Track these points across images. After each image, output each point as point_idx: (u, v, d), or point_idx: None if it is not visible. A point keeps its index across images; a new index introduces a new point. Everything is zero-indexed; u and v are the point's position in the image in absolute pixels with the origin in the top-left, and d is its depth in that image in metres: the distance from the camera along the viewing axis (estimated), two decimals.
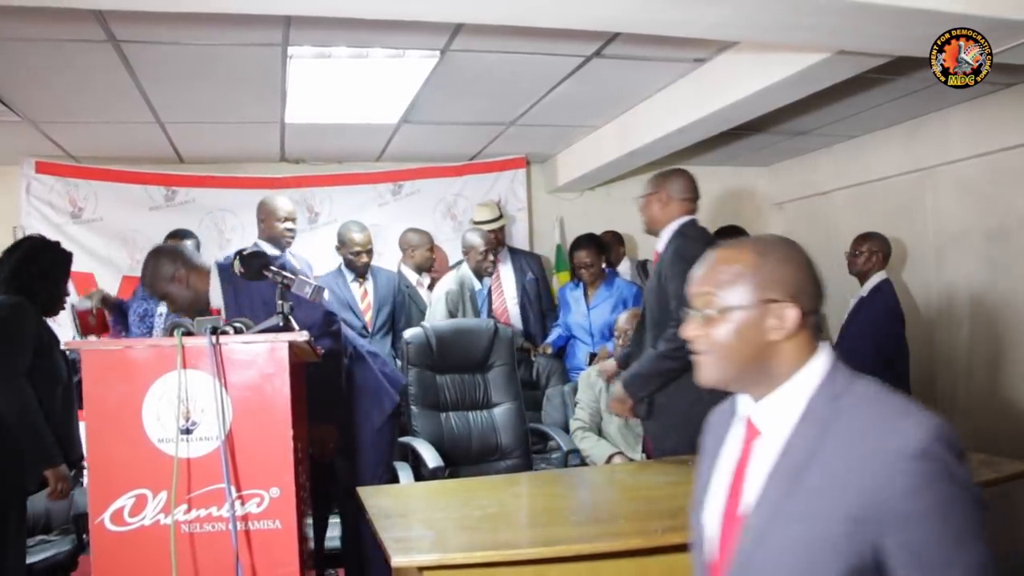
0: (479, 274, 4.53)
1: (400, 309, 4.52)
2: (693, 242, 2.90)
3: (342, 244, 4.46)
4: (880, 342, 4.01)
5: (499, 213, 4.94)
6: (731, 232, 4.65)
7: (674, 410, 2.86)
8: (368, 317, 4.38)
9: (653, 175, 3.12)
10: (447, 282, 4.49)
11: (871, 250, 4.18)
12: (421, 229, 4.91)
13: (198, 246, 4.19)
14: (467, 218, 5.39)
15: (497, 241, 4.84)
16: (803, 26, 2.60)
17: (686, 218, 3.00)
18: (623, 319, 3.69)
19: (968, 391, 4.56)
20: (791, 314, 1.25)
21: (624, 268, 5.16)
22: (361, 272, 4.44)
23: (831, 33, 2.71)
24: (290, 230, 4.01)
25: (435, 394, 3.78)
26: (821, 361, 1.29)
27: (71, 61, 3.30)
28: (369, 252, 4.41)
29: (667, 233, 3.00)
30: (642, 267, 5.08)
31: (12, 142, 4.50)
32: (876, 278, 4.18)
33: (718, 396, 2.92)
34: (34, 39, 3.05)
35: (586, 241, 4.78)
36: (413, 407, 3.69)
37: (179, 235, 4.21)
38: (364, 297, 4.44)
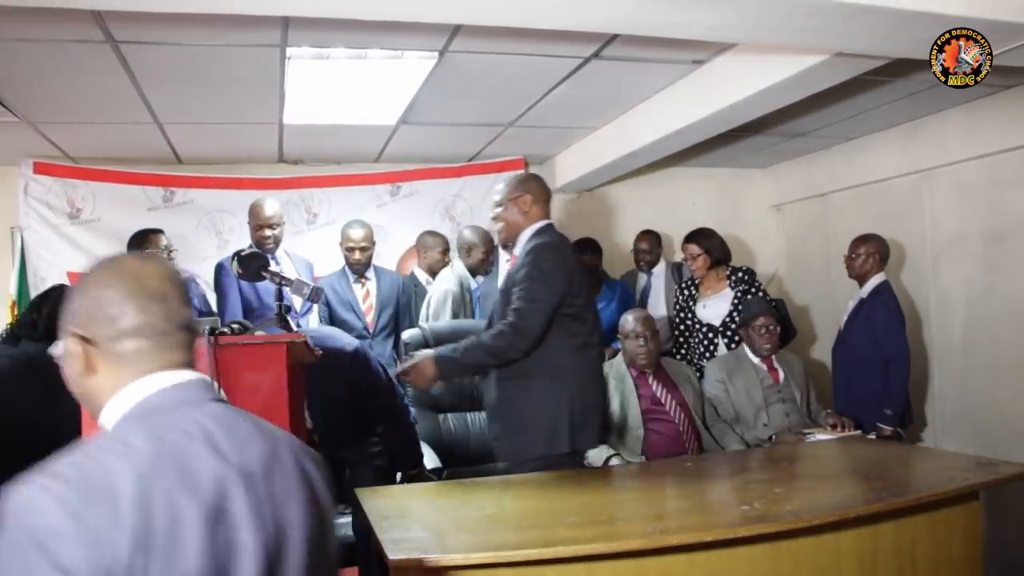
0: (475, 272, 4.51)
1: (404, 311, 4.50)
2: (556, 244, 2.92)
3: (342, 240, 4.46)
4: (881, 344, 4.01)
5: None
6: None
7: (519, 412, 2.86)
8: (370, 318, 4.36)
9: (505, 181, 3.09)
10: (446, 282, 4.46)
11: (868, 252, 4.18)
12: (437, 232, 4.91)
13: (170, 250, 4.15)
14: (465, 219, 5.39)
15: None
16: (801, 28, 2.60)
17: (546, 221, 2.99)
18: (632, 321, 3.66)
19: (965, 393, 4.56)
20: (75, 348, 1.17)
21: (659, 270, 5.15)
22: (357, 269, 4.42)
23: (830, 35, 2.71)
24: (268, 236, 4.03)
25: (433, 395, 3.77)
26: (124, 399, 1.16)
27: (69, 61, 3.30)
28: (363, 249, 4.39)
29: (528, 234, 2.97)
30: (676, 269, 5.09)
31: (10, 143, 4.49)
32: (875, 280, 4.18)
33: (561, 404, 2.86)
34: (32, 39, 3.05)
35: (589, 246, 4.81)
36: (412, 408, 3.68)
37: (148, 233, 4.14)
38: (366, 298, 4.42)
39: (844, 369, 4.24)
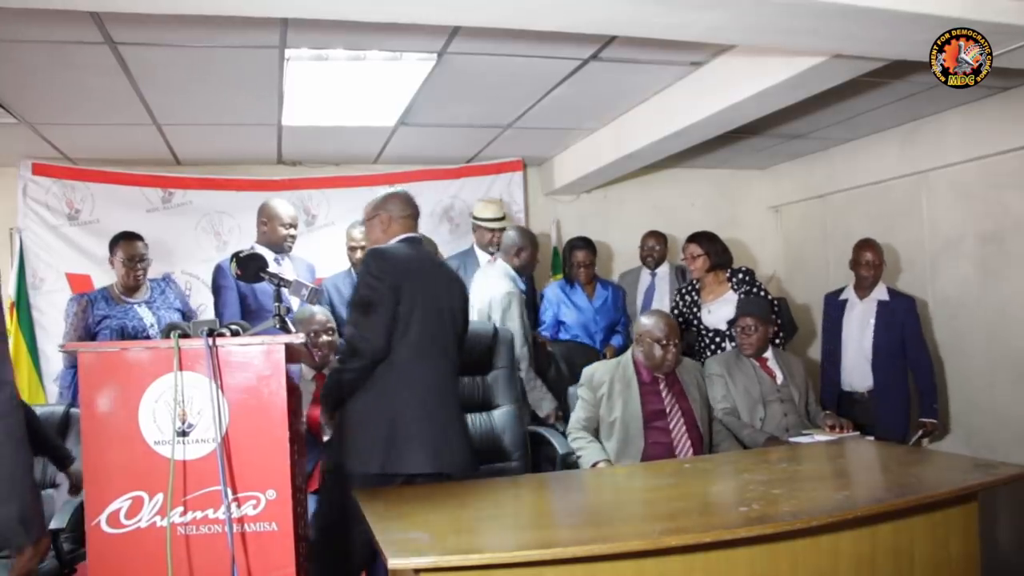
0: (522, 273, 4.28)
1: None
2: (387, 250, 2.83)
3: (346, 240, 4.42)
4: (908, 343, 4.24)
5: (503, 213, 4.84)
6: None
7: (342, 426, 2.78)
8: None
9: (370, 202, 3.08)
10: (499, 283, 4.13)
11: (882, 258, 4.31)
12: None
13: (146, 247, 4.09)
14: (464, 220, 5.39)
15: (497, 242, 4.81)
16: (799, 30, 2.61)
17: (407, 235, 2.96)
18: (662, 327, 3.60)
19: (962, 394, 4.57)
20: None
21: (663, 271, 5.13)
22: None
23: (827, 37, 2.72)
24: (292, 236, 4.03)
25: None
26: None
27: (68, 63, 3.30)
28: (364, 249, 4.36)
29: None
30: (680, 272, 5.10)
31: (9, 144, 4.50)
32: (882, 284, 4.32)
33: (379, 422, 2.69)
34: (31, 41, 3.05)
35: (584, 241, 4.84)
36: None
37: (121, 239, 4.05)
38: None
39: (882, 372, 4.27)
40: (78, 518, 2.81)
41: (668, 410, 3.53)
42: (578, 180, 5.41)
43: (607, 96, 4.23)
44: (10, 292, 4.67)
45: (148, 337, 3.87)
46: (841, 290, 4.53)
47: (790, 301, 5.33)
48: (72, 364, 4.08)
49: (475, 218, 4.78)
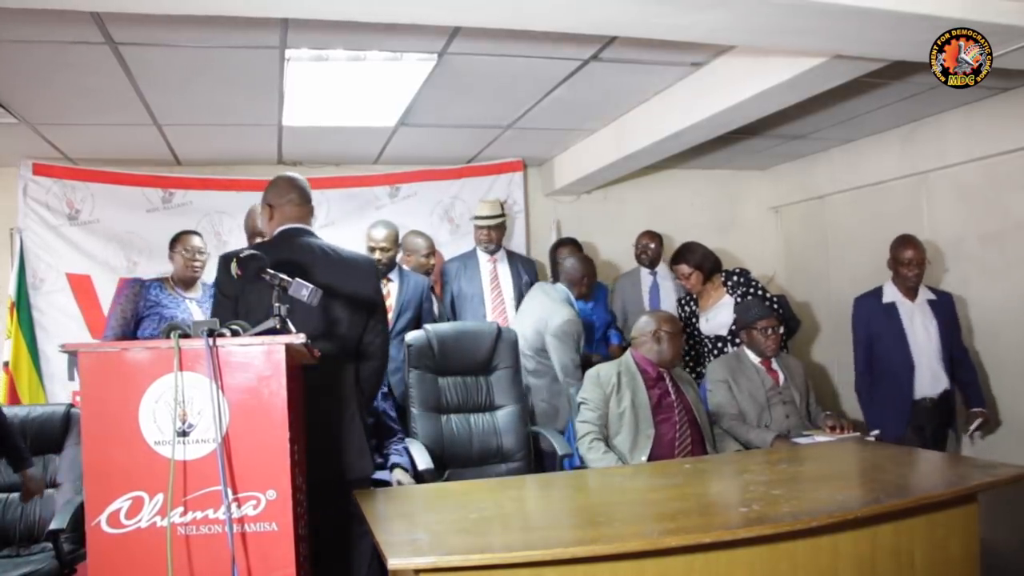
0: (581, 297, 4.27)
1: (427, 316, 4.43)
2: (228, 256, 2.57)
3: (365, 240, 4.42)
4: (954, 339, 4.12)
5: (500, 211, 4.84)
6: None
7: None
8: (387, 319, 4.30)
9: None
10: (564, 309, 4.09)
11: (924, 253, 4.11)
12: (423, 232, 4.87)
13: (204, 244, 4.18)
14: (464, 221, 5.39)
15: (495, 240, 4.80)
16: (800, 30, 2.61)
17: (288, 225, 2.79)
18: (667, 319, 3.68)
19: None
20: None
21: (663, 270, 5.11)
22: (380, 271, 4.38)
23: (828, 37, 2.72)
24: None
25: (436, 397, 3.77)
26: None
27: (69, 63, 3.30)
28: (384, 250, 4.32)
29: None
30: None
31: (9, 144, 4.50)
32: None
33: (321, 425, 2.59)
34: (32, 41, 3.05)
35: (571, 241, 4.86)
36: (413, 409, 3.69)
37: (181, 235, 4.14)
38: (386, 299, 4.38)
39: (951, 373, 4.11)
40: (78, 518, 2.81)
41: (674, 401, 3.56)
42: (578, 180, 5.41)
43: (607, 96, 4.23)
44: (10, 292, 4.67)
45: None
46: (878, 292, 4.19)
47: (790, 300, 5.33)
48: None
49: (473, 217, 4.84)
